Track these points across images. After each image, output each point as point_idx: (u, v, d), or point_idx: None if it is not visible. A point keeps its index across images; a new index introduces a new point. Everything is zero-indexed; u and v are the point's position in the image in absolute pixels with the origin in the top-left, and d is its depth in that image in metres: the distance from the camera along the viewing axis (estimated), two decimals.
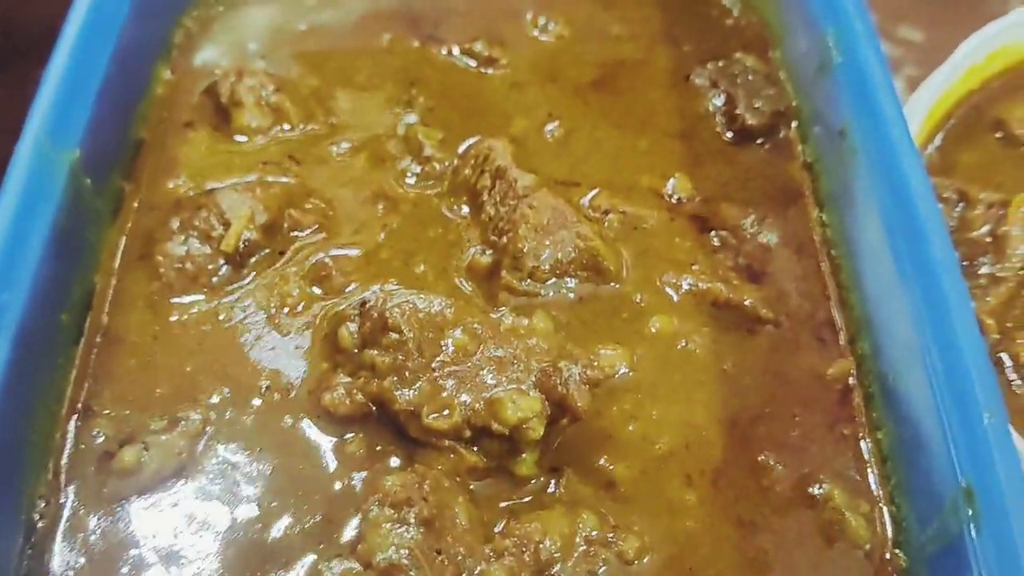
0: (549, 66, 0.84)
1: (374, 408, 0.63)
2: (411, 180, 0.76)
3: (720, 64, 0.82)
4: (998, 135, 0.83)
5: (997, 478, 0.50)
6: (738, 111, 0.79)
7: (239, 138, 0.78)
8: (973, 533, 0.51)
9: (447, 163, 0.76)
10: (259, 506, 0.60)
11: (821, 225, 0.73)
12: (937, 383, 0.56)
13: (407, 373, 0.61)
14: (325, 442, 0.63)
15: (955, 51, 0.80)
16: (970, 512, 0.52)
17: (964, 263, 0.74)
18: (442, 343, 0.62)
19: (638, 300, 0.70)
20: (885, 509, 0.61)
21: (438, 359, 0.62)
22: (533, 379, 0.61)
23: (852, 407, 0.65)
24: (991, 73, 0.87)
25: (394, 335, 0.62)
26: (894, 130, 0.63)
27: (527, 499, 0.61)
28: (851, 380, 0.66)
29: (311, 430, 0.64)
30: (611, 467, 0.63)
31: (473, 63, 0.84)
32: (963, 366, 0.54)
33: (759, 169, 0.77)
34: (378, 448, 0.63)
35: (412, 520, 0.57)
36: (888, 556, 0.59)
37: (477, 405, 0.60)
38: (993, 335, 0.70)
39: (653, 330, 0.69)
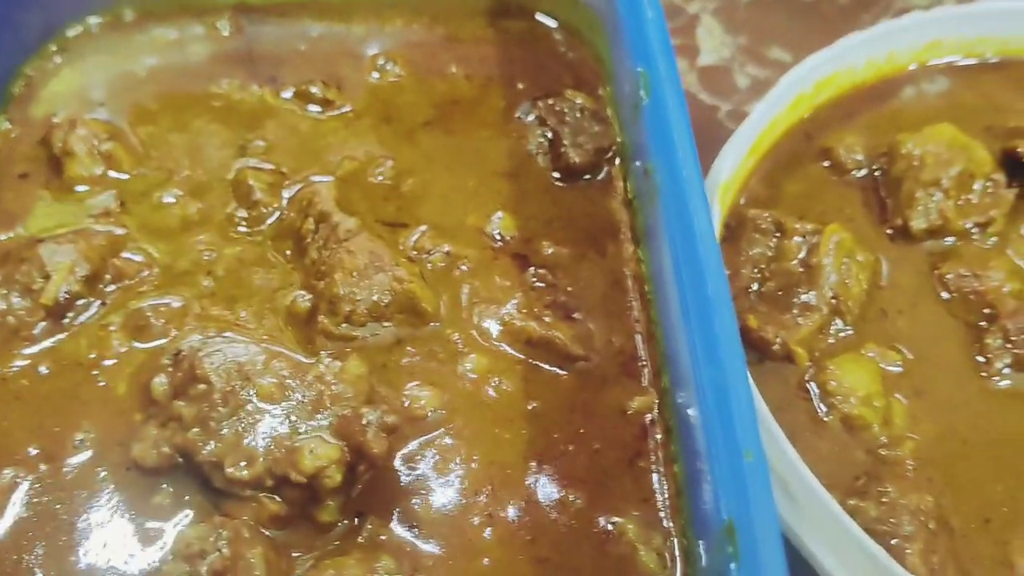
0: (384, 107, 0.85)
1: (181, 459, 0.63)
2: (241, 226, 0.76)
3: (550, 102, 0.84)
4: (825, 163, 0.85)
5: (751, 517, 0.52)
6: (563, 148, 0.80)
7: (74, 188, 0.78)
8: (735, 570, 0.53)
9: (275, 207, 0.77)
10: (70, 560, 0.60)
11: (637, 261, 0.75)
12: (707, 418, 0.57)
13: (211, 423, 0.62)
14: (135, 494, 0.64)
15: (779, 82, 0.82)
16: (730, 549, 0.53)
17: (779, 292, 0.76)
18: (249, 392, 0.63)
19: (455, 340, 0.71)
20: (676, 542, 0.62)
21: (244, 409, 0.63)
22: (333, 426, 0.62)
23: (651, 441, 0.66)
24: (821, 101, 0.88)
25: (202, 386, 0.64)
26: (684, 170, 0.65)
27: (333, 545, 0.62)
28: (653, 414, 0.67)
29: (122, 482, 0.64)
30: (416, 510, 0.64)
31: (310, 106, 0.85)
32: (728, 405, 0.55)
33: (582, 206, 0.79)
34: (185, 498, 0.64)
35: (204, 572, 0.58)
36: None
37: (278, 454, 0.61)
38: (804, 364, 0.72)
39: (467, 370, 0.70)
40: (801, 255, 0.76)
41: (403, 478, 0.65)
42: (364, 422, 0.62)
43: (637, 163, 0.77)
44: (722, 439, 0.56)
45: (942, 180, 0.79)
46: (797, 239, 0.77)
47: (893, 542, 0.64)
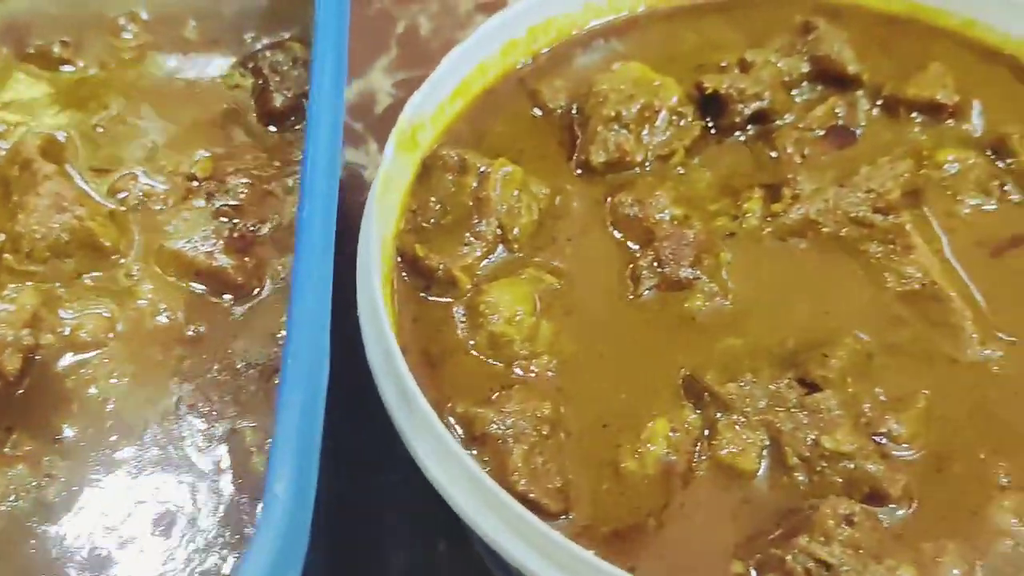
0: (118, 65, 0.91)
1: None
2: None
3: (267, 53, 0.89)
4: (533, 106, 0.89)
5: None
6: (269, 95, 0.86)
7: None
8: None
9: None
10: None
11: None
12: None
13: None
14: None
15: (478, 28, 0.87)
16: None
17: (455, 224, 0.81)
18: None
19: (134, 273, 0.77)
20: None
21: None
22: None
23: None
24: (539, 47, 0.93)
25: None
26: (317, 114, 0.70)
27: None
28: None
29: None
30: (62, 425, 0.70)
31: (50, 64, 0.91)
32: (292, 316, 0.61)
33: (280, 150, 0.84)
34: None
35: None
36: None
37: None
38: (466, 286, 0.77)
39: (138, 299, 0.76)
40: (474, 188, 0.80)
41: (57, 396, 0.71)
42: (7, 341, 0.68)
43: None
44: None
45: (623, 115, 0.83)
46: (474, 174, 0.81)
47: (502, 444, 0.69)
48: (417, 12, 1.29)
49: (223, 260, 0.77)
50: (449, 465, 0.66)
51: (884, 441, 0.69)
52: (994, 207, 0.82)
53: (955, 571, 0.63)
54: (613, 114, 0.84)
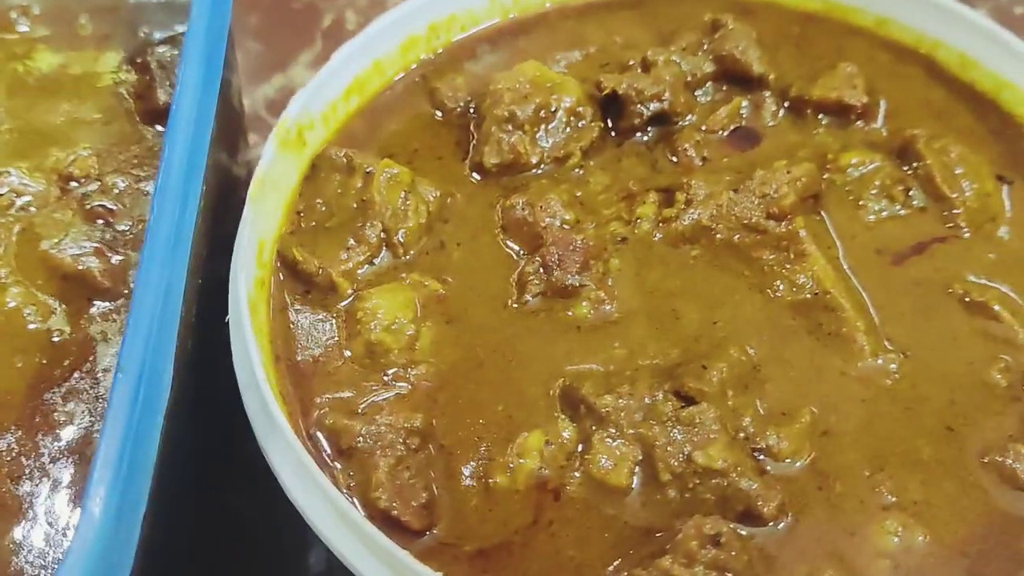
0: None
1: None
2: None
3: (160, 48, 0.86)
4: (434, 107, 0.86)
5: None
6: (154, 91, 0.83)
7: None
8: None
9: None
10: None
11: None
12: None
13: None
14: None
15: (370, 24, 0.84)
16: None
17: (340, 227, 0.78)
18: None
19: (1, 276, 0.74)
20: None
21: None
22: None
23: None
24: (443, 43, 0.90)
25: None
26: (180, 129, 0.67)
27: None
28: None
29: None
30: None
31: None
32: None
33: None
34: None
35: None
36: None
37: None
38: (346, 291, 0.75)
39: (11, 304, 0.73)
40: (359, 189, 0.77)
41: None
42: None
43: None
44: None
45: (518, 115, 0.81)
46: (360, 175, 0.78)
47: (368, 458, 0.66)
48: (344, 5, 1.26)
49: (91, 263, 0.74)
50: (305, 480, 0.63)
51: (763, 457, 0.66)
52: (898, 213, 0.79)
53: None
54: (507, 114, 0.81)
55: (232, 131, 0.89)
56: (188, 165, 0.66)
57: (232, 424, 0.68)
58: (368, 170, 0.79)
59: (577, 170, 0.83)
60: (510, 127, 0.81)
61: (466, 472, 0.68)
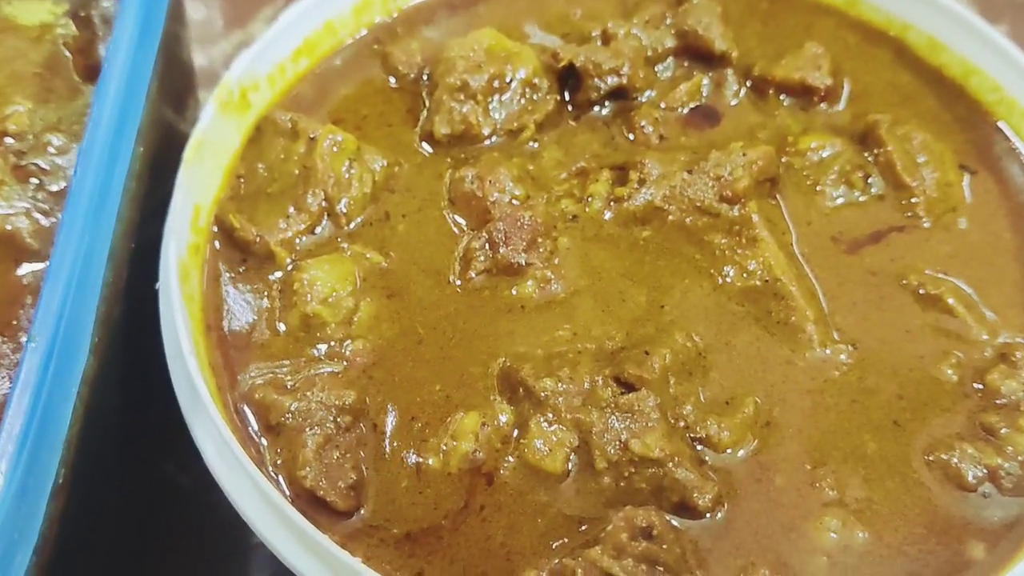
0: None
1: None
2: None
3: (105, 4, 0.83)
4: (386, 71, 0.84)
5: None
6: (96, 47, 0.79)
7: None
8: None
9: None
10: None
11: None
12: None
13: None
14: None
15: None
16: None
17: (281, 193, 0.75)
18: None
19: None
20: None
21: None
22: None
23: None
24: (398, 8, 0.87)
25: None
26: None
27: None
28: None
29: None
30: None
31: None
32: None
33: None
34: None
35: None
36: None
37: None
38: (284, 261, 0.72)
39: None
40: (301, 155, 0.75)
41: None
42: None
43: None
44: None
45: (471, 84, 0.78)
46: (304, 141, 0.75)
47: (296, 435, 0.64)
48: None
49: (20, 223, 0.71)
50: (226, 456, 0.61)
51: (702, 447, 0.64)
52: (856, 200, 0.77)
53: None
54: (460, 83, 0.79)
55: (179, 88, 0.86)
56: (119, 123, 0.63)
57: (167, 394, 0.65)
58: (312, 136, 0.76)
59: (531, 143, 0.80)
60: (462, 96, 0.79)
61: (398, 453, 0.65)
